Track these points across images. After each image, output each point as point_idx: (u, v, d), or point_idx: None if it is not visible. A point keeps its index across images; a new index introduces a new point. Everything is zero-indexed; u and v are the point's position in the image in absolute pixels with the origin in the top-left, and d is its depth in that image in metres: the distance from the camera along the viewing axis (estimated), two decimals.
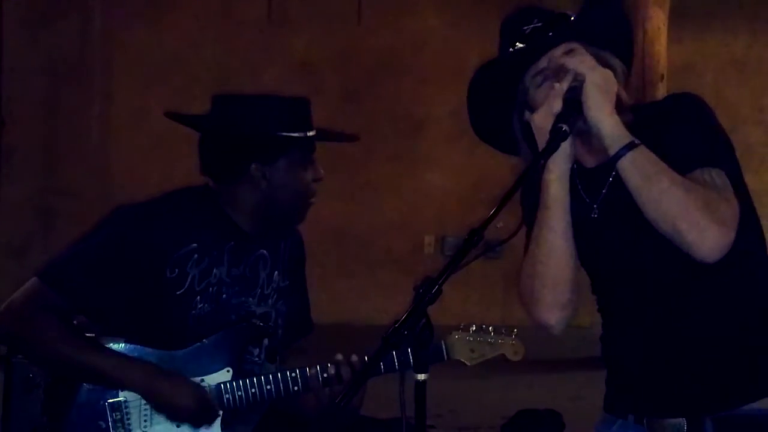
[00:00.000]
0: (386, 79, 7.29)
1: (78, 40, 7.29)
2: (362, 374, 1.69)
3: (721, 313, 1.69)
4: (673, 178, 1.60)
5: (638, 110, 1.75)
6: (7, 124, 6.18)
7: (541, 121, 1.67)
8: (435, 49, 7.19)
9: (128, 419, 2.14)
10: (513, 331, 2.19)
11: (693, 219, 1.58)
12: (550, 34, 1.71)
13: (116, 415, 2.13)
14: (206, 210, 2.19)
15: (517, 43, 1.73)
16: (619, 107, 1.70)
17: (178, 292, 2.13)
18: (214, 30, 7.33)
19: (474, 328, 2.18)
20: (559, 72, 1.69)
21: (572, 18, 1.76)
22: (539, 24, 1.73)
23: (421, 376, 1.57)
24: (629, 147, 1.62)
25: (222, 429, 2.16)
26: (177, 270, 2.13)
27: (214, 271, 2.17)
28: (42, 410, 2.15)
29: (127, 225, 2.16)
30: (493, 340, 2.17)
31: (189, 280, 2.14)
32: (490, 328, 2.19)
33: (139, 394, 2.12)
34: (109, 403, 2.13)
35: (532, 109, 1.71)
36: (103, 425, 2.13)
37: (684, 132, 1.67)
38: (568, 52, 1.70)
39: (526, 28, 1.74)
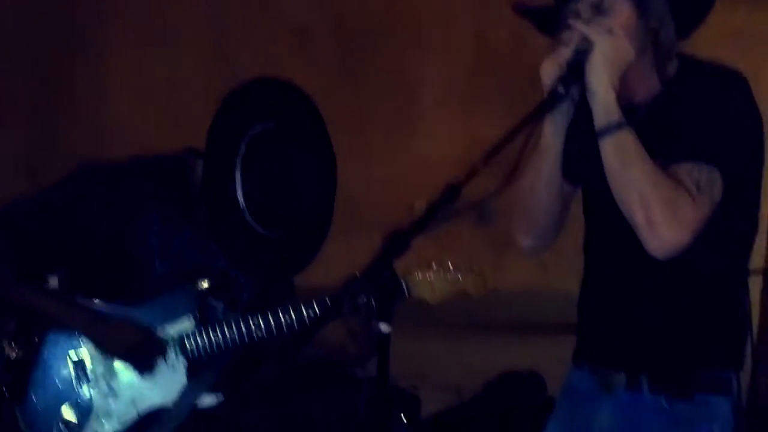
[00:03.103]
0: (381, 42, 7.24)
1: (68, 2, 7.25)
2: (320, 318, 1.69)
3: (684, 287, 1.72)
4: (647, 169, 1.61)
5: (684, 65, 1.73)
6: None
7: (544, 74, 1.68)
8: (431, 13, 7.13)
9: (92, 373, 2.15)
10: (473, 267, 2.20)
11: (650, 215, 1.60)
12: None
13: (80, 370, 2.15)
14: (174, 181, 2.18)
15: None
16: (661, 55, 1.68)
17: (136, 254, 2.15)
18: None
19: (434, 266, 2.17)
20: (582, 25, 1.66)
21: None
22: None
23: (385, 328, 1.57)
24: (615, 127, 1.63)
25: (187, 378, 2.17)
26: (137, 238, 2.15)
27: (175, 241, 2.18)
28: (5, 367, 2.14)
29: (89, 185, 2.16)
30: (454, 277, 2.18)
31: (148, 246, 2.16)
32: (450, 265, 2.19)
33: (83, 335, 2.13)
34: (71, 358, 2.15)
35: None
36: (69, 380, 2.14)
37: (700, 119, 1.66)
38: (598, 6, 1.66)
39: None
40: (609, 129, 1.63)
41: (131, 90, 7.24)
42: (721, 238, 1.68)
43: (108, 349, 2.14)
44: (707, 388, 1.71)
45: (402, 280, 2.16)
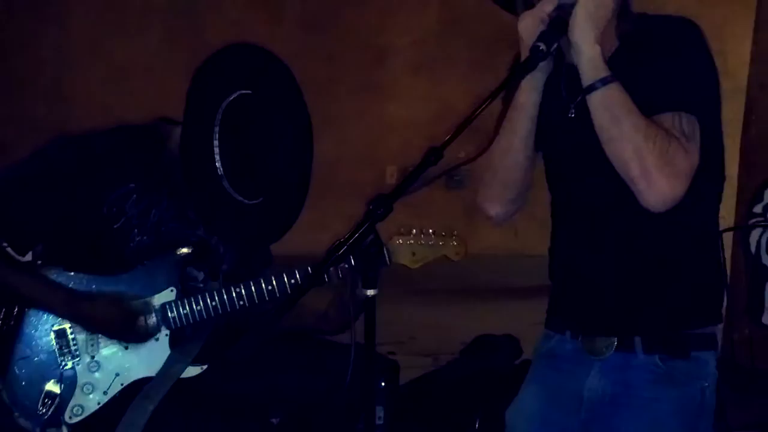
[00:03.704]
0: (349, 9, 7.19)
1: None
2: (303, 285, 1.67)
3: (665, 247, 1.71)
4: (637, 121, 1.59)
5: (638, 20, 1.72)
6: None
7: (525, 30, 1.66)
8: None
9: (75, 344, 2.13)
10: (453, 233, 2.20)
11: (645, 168, 1.58)
12: None
13: (62, 342, 2.13)
14: (150, 150, 2.15)
15: None
16: (623, 15, 1.67)
17: (115, 226, 2.13)
18: None
19: (414, 232, 2.18)
20: None
21: None
22: None
23: (370, 292, 1.57)
24: (603, 81, 1.61)
25: (170, 347, 2.17)
26: (115, 209, 2.12)
27: (153, 211, 2.16)
28: None
29: (65, 157, 2.12)
30: (433, 242, 2.18)
31: (126, 217, 2.13)
32: (431, 230, 2.19)
33: (62, 317, 2.12)
34: (54, 330, 2.13)
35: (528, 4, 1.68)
36: (51, 353, 2.13)
37: (667, 69, 1.65)
38: None
39: None
40: (597, 84, 1.61)
41: (97, 59, 7.13)
42: (695, 192, 1.66)
43: (91, 329, 2.13)
44: (698, 344, 1.72)
45: (383, 248, 2.16)
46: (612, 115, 1.60)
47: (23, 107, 7.02)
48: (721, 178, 1.76)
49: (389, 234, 2.21)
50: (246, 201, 2.08)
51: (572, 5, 1.62)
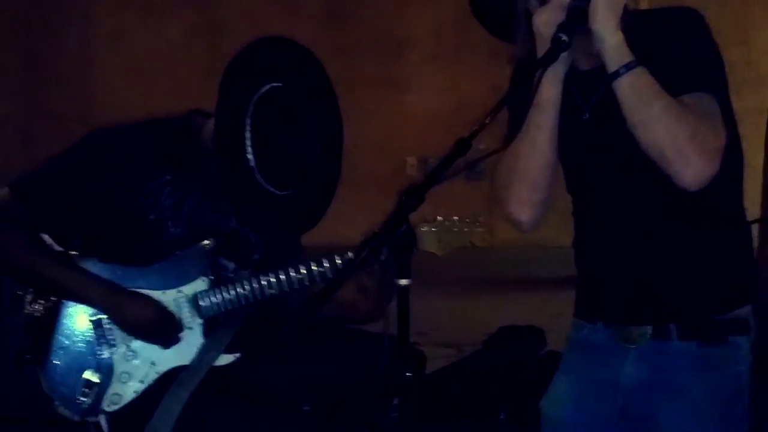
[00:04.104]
0: (366, 2, 7.20)
1: None
2: (339, 277, 1.70)
3: (693, 232, 1.73)
4: (667, 104, 1.59)
5: (635, 16, 1.72)
6: None
7: (542, 24, 1.66)
8: None
9: (111, 334, 2.17)
10: (478, 219, 2.21)
11: (680, 149, 1.59)
12: None
13: (99, 332, 2.17)
14: (183, 142, 2.18)
15: None
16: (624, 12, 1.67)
17: (150, 217, 2.16)
18: None
19: (440, 219, 2.20)
20: None
21: None
22: None
23: (403, 282, 1.59)
24: (628, 66, 1.61)
25: (203, 336, 2.20)
26: (150, 200, 2.15)
27: (186, 202, 2.19)
28: (24, 331, 2.17)
29: (102, 150, 2.16)
30: (459, 229, 2.19)
31: (161, 208, 2.17)
32: (456, 218, 2.21)
33: (99, 310, 2.16)
34: (91, 320, 2.17)
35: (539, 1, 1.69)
36: (89, 342, 2.16)
37: (679, 52, 1.66)
38: None
39: None
40: (622, 70, 1.62)
41: (118, 52, 7.19)
42: (718, 174, 1.66)
43: (123, 327, 2.16)
44: (733, 329, 1.73)
45: None
46: (641, 98, 1.61)
47: (47, 99, 7.09)
48: (740, 158, 1.77)
49: (414, 222, 2.22)
50: (278, 192, 2.11)
51: None
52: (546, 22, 1.65)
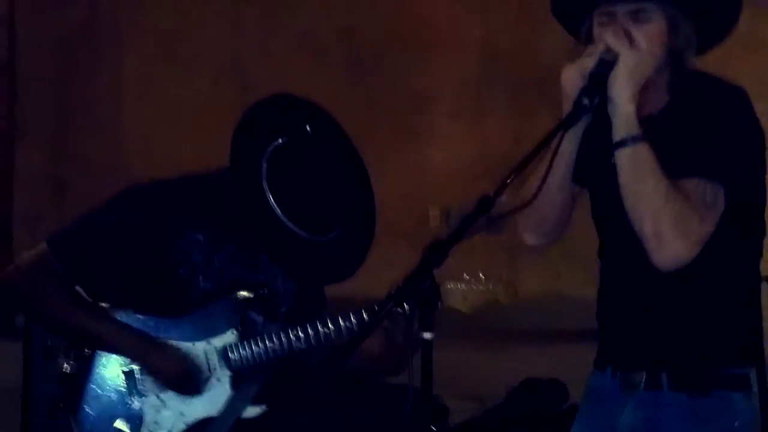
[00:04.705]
0: (391, 53, 7.32)
1: (88, 13, 7.34)
2: (364, 330, 1.75)
3: (699, 289, 1.78)
4: (658, 184, 1.66)
5: (688, 77, 1.78)
6: (21, 96, 6.24)
7: (567, 82, 1.73)
8: (439, 23, 7.22)
9: (142, 384, 2.22)
10: (502, 277, 2.25)
11: (659, 228, 1.66)
12: None
13: (131, 382, 2.22)
14: (215, 199, 2.25)
15: None
16: (676, 72, 1.74)
17: (181, 272, 2.23)
18: (222, 3, 7.37)
19: (466, 277, 2.25)
20: (598, 41, 1.73)
21: None
22: None
23: (428, 335, 1.63)
24: (633, 140, 1.68)
25: (231, 387, 2.24)
26: (181, 256, 2.22)
27: (216, 257, 2.25)
28: (59, 380, 2.23)
29: (136, 208, 2.24)
30: (484, 287, 2.24)
31: (192, 264, 2.24)
32: (481, 275, 2.26)
33: (130, 359, 2.22)
34: (123, 370, 2.23)
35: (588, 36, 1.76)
36: (120, 392, 2.22)
37: (705, 136, 1.72)
38: (635, 15, 1.71)
39: None
40: (627, 141, 1.69)
41: (148, 102, 7.33)
42: (730, 244, 1.74)
43: (155, 377, 2.22)
44: (725, 384, 1.76)
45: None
46: (636, 172, 1.68)
47: (78, 148, 7.23)
48: (761, 232, 1.82)
49: (440, 279, 2.27)
50: (317, 238, 2.16)
51: (613, 62, 1.70)
52: (571, 80, 1.73)
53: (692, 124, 1.73)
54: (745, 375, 1.79)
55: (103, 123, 7.37)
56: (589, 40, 1.79)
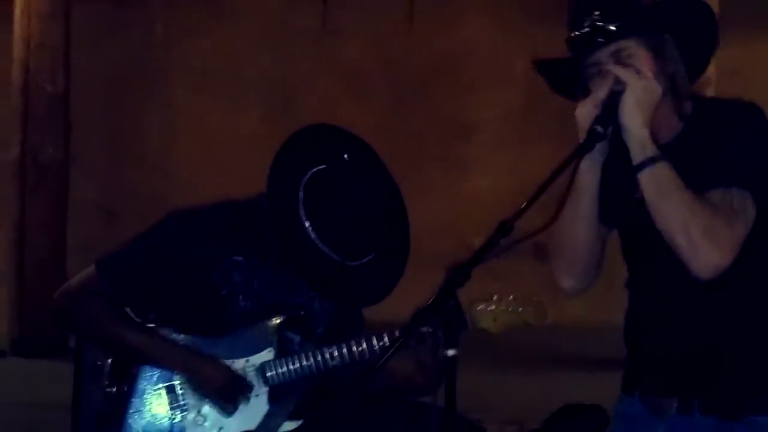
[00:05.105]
0: (435, 84, 7.43)
1: (140, 50, 7.58)
2: (390, 347, 1.82)
3: (726, 316, 1.82)
4: (684, 198, 1.71)
5: (700, 104, 1.84)
6: (75, 129, 6.47)
7: (581, 116, 1.80)
8: (483, 54, 7.32)
9: (184, 399, 2.33)
10: (533, 299, 2.30)
11: (691, 239, 1.71)
12: (599, 39, 1.79)
13: (172, 396, 2.33)
14: (255, 224, 2.35)
15: (577, 32, 1.82)
16: (678, 97, 1.80)
17: (222, 292, 2.33)
18: (270, 39, 7.56)
19: (496, 298, 2.31)
20: (606, 73, 1.79)
21: (636, 6, 1.80)
22: (598, 16, 1.80)
23: (451, 352, 1.69)
24: (652, 161, 1.74)
25: (269, 403, 2.33)
26: (223, 277, 2.33)
27: (255, 279, 2.35)
28: (105, 397, 2.33)
29: (179, 231, 2.36)
30: (513, 308, 2.29)
31: (232, 285, 2.34)
32: (511, 297, 2.31)
33: (178, 372, 2.32)
34: (164, 386, 2.33)
35: (586, 91, 1.82)
36: (162, 408, 2.32)
37: (723, 146, 1.77)
38: (617, 56, 1.79)
39: (585, 20, 1.81)
40: (646, 163, 1.74)
41: (198, 135, 7.53)
42: (758, 259, 1.77)
43: (200, 389, 2.32)
44: (757, 409, 1.79)
45: (466, 313, 2.29)
46: (660, 191, 1.74)
47: (130, 180, 7.44)
48: None
49: (472, 300, 2.34)
50: (350, 263, 2.25)
51: (621, 92, 1.76)
52: (584, 115, 1.79)
53: (710, 142, 1.78)
54: None
55: (154, 155, 7.58)
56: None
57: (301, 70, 7.53)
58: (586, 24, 1.80)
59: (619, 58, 1.79)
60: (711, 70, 5.88)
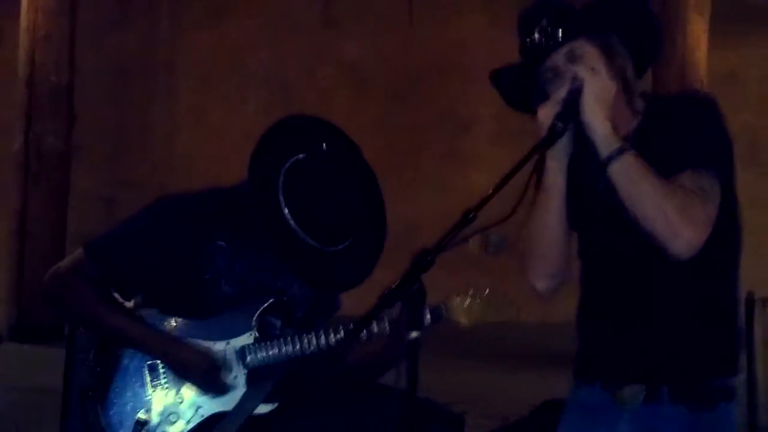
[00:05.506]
0: (433, 80, 7.48)
1: (144, 43, 7.66)
2: (356, 329, 1.89)
3: (687, 301, 1.87)
4: (654, 183, 1.77)
5: (652, 100, 1.91)
6: (78, 120, 6.55)
7: (543, 116, 1.86)
8: (480, 50, 7.36)
9: (165, 378, 2.40)
10: (506, 294, 2.37)
11: (668, 221, 1.76)
12: (550, 43, 1.87)
13: (154, 374, 2.40)
14: (238, 210, 2.41)
15: (528, 40, 1.90)
16: (629, 92, 1.86)
17: (205, 276, 2.40)
18: (271, 33, 7.63)
19: (471, 292, 2.38)
20: (563, 74, 1.86)
21: (579, 10, 1.89)
22: (545, 23, 1.88)
23: (414, 334, 1.75)
24: (619, 152, 1.80)
25: (246, 385, 2.40)
26: (206, 262, 2.40)
27: (238, 264, 2.41)
28: (89, 373, 2.41)
29: (165, 216, 2.42)
30: (487, 303, 2.36)
31: (215, 269, 2.41)
32: (487, 291, 2.38)
33: (157, 358, 2.39)
34: (147, 364, 2.41)
35: (545, 97, 1.88)
36: (143, 385, 2.39)
37: (684, 132, 1.83)
38: (571, 56, 1.86)
39: (534, 28, 1.89)
40: (613, 155, 1.80)
41: (198, 127, 7.61)
42: (721, 241, 1.82)
43: (179, 374, 2.39)
44: (723, 396, 1.85)
45: (442, 304, 2.38)
46: (631, 180, 1.79)
47: (131, 171, 7.52)
48: (738, 238, 1.91)
49: (450, 292, 2.41)
50: (328, 248, 2.31)
51: (580, 89, 1.82)
52: (547, 114, 1.85)
53: (670, 130, 1.84)
54: (734, 386, 1.88)
55: (155, 146, 7.65)
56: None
57: (301, 65, 7.60)
58: (535, 31, 1.87)
59: (573, 58, 1.86)
60: (703, 73, 6.00)
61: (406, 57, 7.51)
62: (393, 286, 1.74)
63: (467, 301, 2.38)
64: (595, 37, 1.87)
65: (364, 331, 2.28)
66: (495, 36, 7.38)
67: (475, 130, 7.52)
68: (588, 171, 1.91)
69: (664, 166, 1.81)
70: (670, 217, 1.76)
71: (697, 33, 5.85)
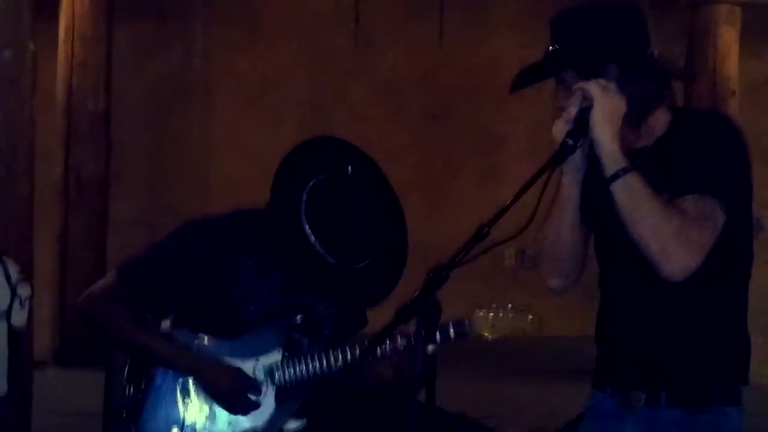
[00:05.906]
0: (466, 98, 7.53)
1: (180, 68, 7.81)
2: (372, 345, 1.92)
3: (692, 312, 1.91)
4: (655, 205, 1.81)
5: (679, 113, 1.94)
6: (116, 146, 6.69)
7: (556, 131, 1.91)
8: (512, 68, 7.37)
9: (197, 398, 2.45)
10: (530, 308, 2.37)
11: (664, 245, 1.79)
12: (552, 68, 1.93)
13: (185, 393, 2.46)
14: (264, 230, 2.47)
15: (549, 48, 1.97)
16: (640, 111, 1.89)
17: (233, 296, 2.46)
18: (305, 55, 7.74)
19: (494, 305, 2.40)
20: (575, 90, 1.90)
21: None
22: (556, 47, 1.95)
23: (430, 347, 1.79)
24: (623, 171, 1.84)
25: (275, 402, 2.46)
26: (233, 281, 2.46)
27: (265, 283, 2.47)
28: (123, 392, 2.47)
29: (193, 238, 2.50)
30: (512, 316, 2.38)
31: (242, 289, 2.46)
32: (510, 306, 2.40)
33: (188, 376, 2.45)
34: (179, 383, 2.46)
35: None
36: (176, 404, 2.45)
37: (694, 155, 1.86)
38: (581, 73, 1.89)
39: (550, 48, 1.97)
40: (618, 174, 1.84)
41: (236, 148, 7.72)
42: (723, 263, 1.86)
43: (209, 392, 2.44)
44: (720, 399, 1.88)
45: (465, 319, 2.41)
46: (632, 200, 1.83)
47: (170, 195, 7.65)
48: (749, 255, 1.94)
49: (474, 307, 2.44)
50: (348, 266, 2.36)
51: (590, 108, 1.86)
52: (559, 130, 1.90)
53: (683, 151, 1.87)
54: (738, 392, 1.90)
55: (193, 170, 7.78)
56: None
57: (335, 86, 7.69)
58: (553, 44, 1.95)
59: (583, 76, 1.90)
60: (734, 82, 5.95)
61: (438, 77, 7.58)
62: (408, 302, 1.78)
63: (490, 315, 2.41)
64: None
65: (382, 347, 2.32)
66: (526, 56, 7.39)
67: (507, 148, 7.54)
68: (601, 182, 1.94)
69: (673, 184, 1.85)
70: (665, 240, 1.79)
71: (729, 44, 5.83)
